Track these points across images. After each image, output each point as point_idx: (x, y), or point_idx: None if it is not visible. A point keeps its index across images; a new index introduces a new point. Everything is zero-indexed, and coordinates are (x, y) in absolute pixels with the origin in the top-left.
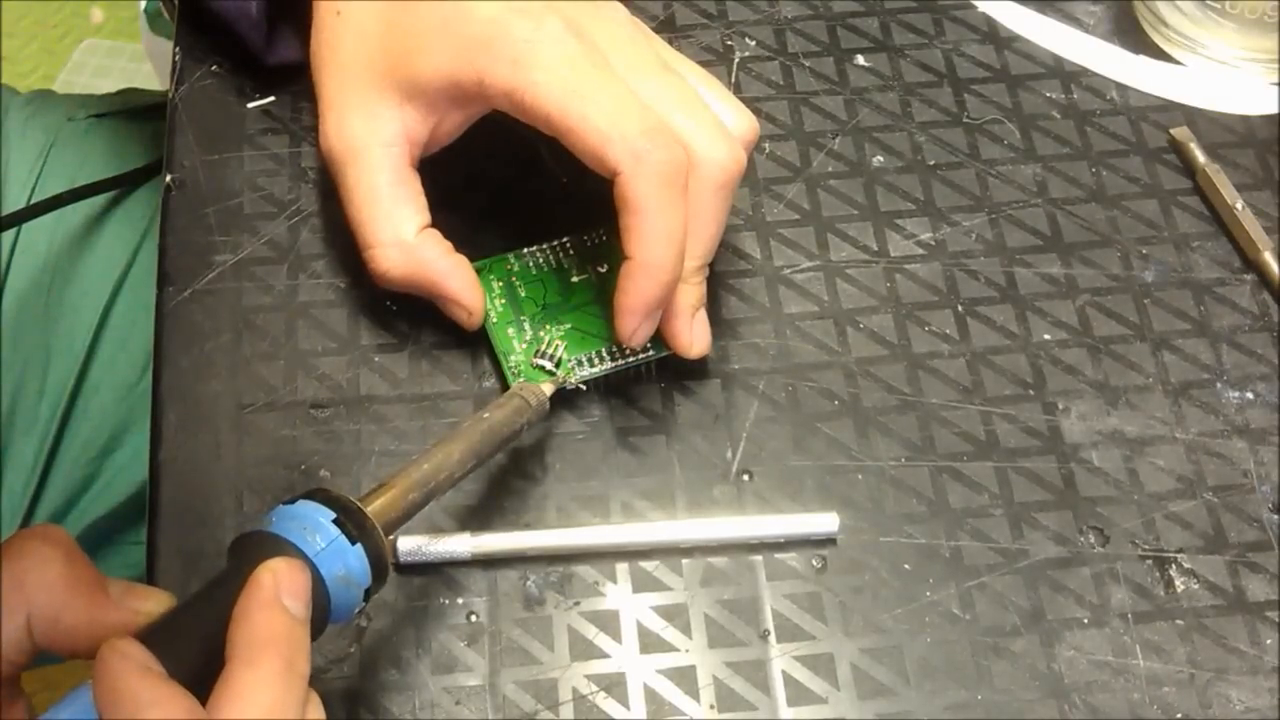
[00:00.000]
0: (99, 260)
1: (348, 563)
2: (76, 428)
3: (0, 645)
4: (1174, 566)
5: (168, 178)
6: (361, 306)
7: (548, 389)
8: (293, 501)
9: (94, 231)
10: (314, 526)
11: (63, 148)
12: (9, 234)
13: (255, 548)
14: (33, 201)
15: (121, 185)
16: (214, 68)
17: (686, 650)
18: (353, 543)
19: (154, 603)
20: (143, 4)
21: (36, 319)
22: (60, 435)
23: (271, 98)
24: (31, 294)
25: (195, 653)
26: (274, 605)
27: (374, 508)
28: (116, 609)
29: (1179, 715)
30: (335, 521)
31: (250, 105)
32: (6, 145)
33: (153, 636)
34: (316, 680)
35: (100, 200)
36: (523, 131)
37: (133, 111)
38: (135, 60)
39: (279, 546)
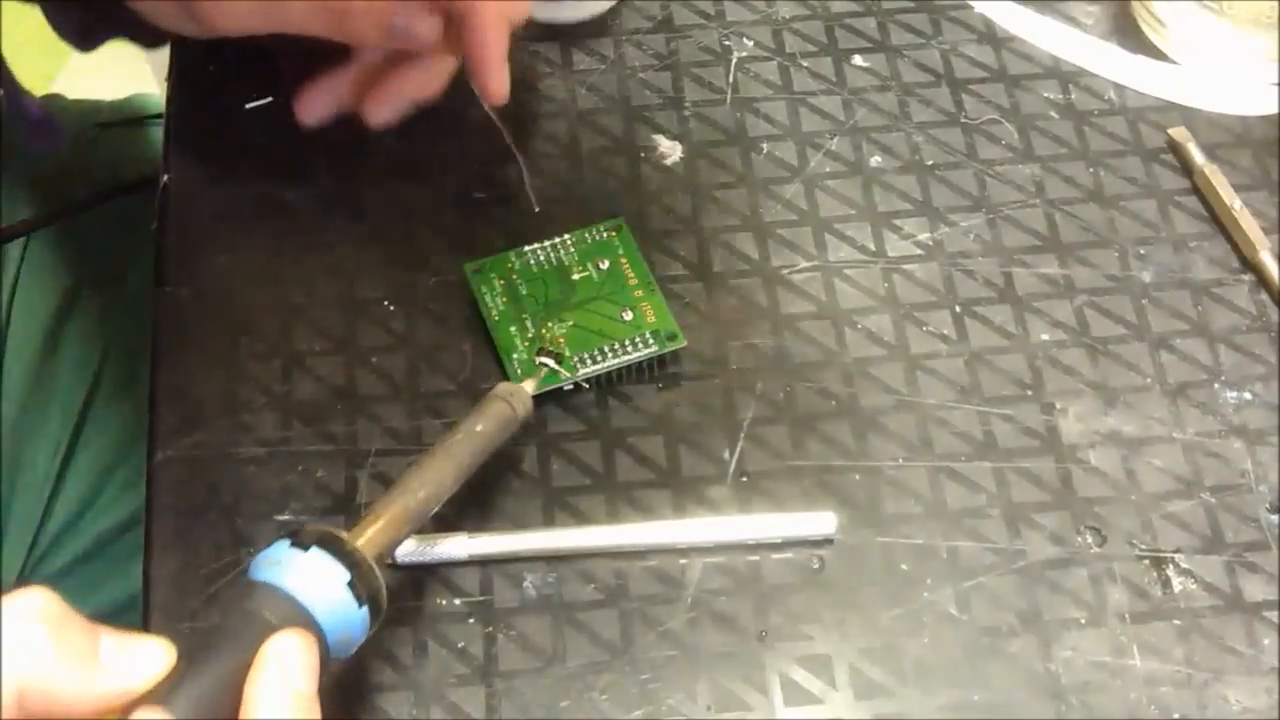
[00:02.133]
0: (106, 270)
1: (352, 627)
2: (88, 439)
3: None
4: (1171, 567)
5: (165, 179)
6: (359, 307)
7: (529, 387)
8: (305, 546)
9: (101, 242)
10: (327, 587)
11: (69, 157)
12: (17, 244)
13: (267, 603)
14: (38, 212)
15: (129, 194)
16: (211, 69)
17: (684, 650)
18: (360, 605)
19: (150, 658)
20: None
21: (45, 332)
22: (73, 447)
23: (269, 99)
24: (39, 306)
25: None
26: (286, 688)
27: (371, 545)
28: (111, 673)
29: (1176, 715)
30: (348, 583)
31: (248, 106)
32: (13, 153)
33: (166, 702)
34: None
35: (106, 210)
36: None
37: (138, 120)
38: (136, 61)
39: (291, 609)
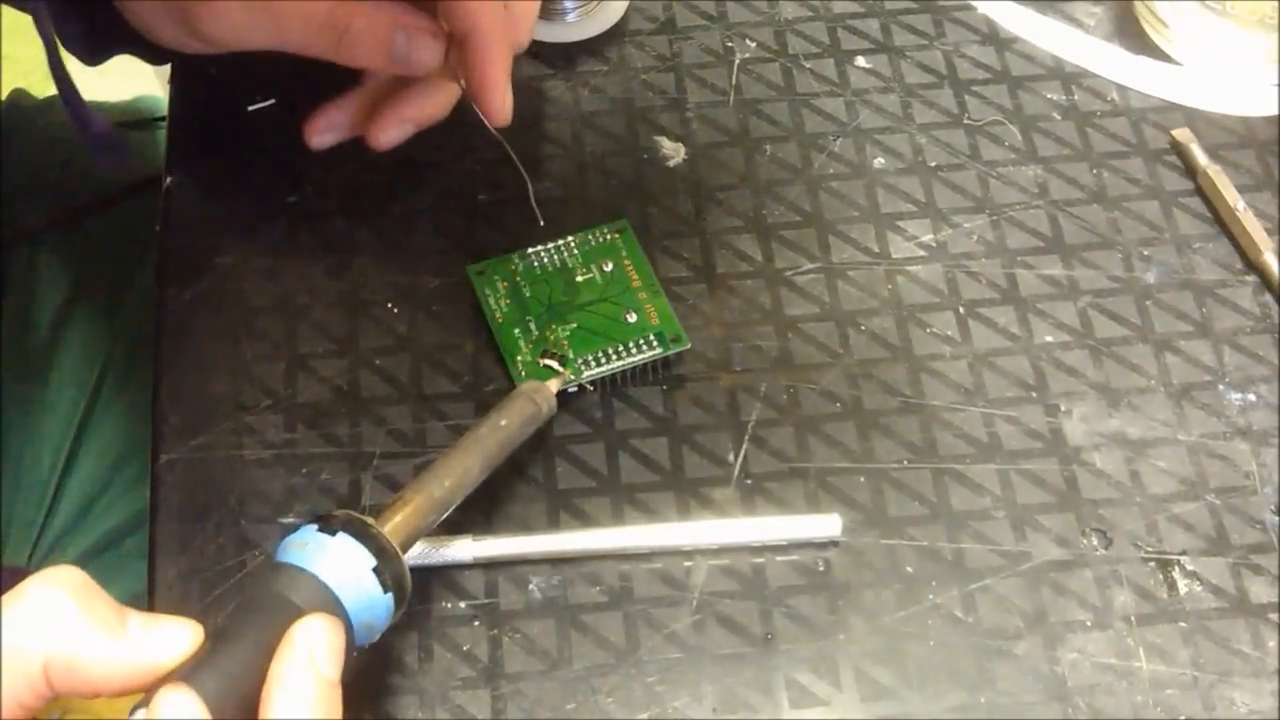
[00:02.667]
0: (111, 272)
1: (376, 613)
2: (92, 441)
3: (15, 691)
4: (1177, 569)
5: (168, 179)
6: (361, 308)
7: (554, 386)
8: (332, 530)
9: (106, 244)
10: (353, 572)
11: (75, 159)
12: (23, 246)
13: (294, 586)
14: (44, 215)
15: (134, 196)
16: (213, 71)
17: (689, 653)
18: (385, 591)
19: (178, 637)
20: None
21: (49, 334)
22: (76, 448)
23: (271, 100)
24: (44, 308)
25: (233, 704)
26: (312, 671)
27: (397, 532)
28: (137, 649)
29: (1182, 718)
30: (373, 569)
31: (251, 108)
32: (18, 155)
33: (191, 681)
34: None
35: (112, 212)
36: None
37: (143, 122)
38: (137, 61)
39: (317, 593)
